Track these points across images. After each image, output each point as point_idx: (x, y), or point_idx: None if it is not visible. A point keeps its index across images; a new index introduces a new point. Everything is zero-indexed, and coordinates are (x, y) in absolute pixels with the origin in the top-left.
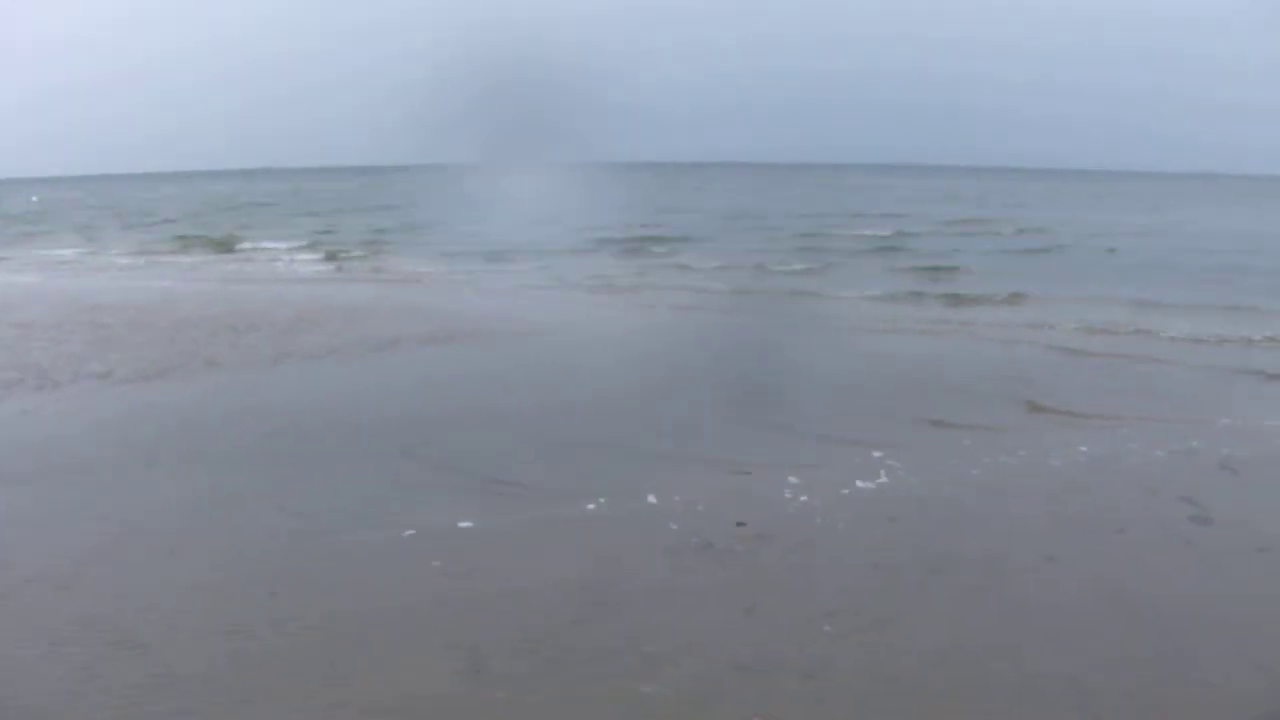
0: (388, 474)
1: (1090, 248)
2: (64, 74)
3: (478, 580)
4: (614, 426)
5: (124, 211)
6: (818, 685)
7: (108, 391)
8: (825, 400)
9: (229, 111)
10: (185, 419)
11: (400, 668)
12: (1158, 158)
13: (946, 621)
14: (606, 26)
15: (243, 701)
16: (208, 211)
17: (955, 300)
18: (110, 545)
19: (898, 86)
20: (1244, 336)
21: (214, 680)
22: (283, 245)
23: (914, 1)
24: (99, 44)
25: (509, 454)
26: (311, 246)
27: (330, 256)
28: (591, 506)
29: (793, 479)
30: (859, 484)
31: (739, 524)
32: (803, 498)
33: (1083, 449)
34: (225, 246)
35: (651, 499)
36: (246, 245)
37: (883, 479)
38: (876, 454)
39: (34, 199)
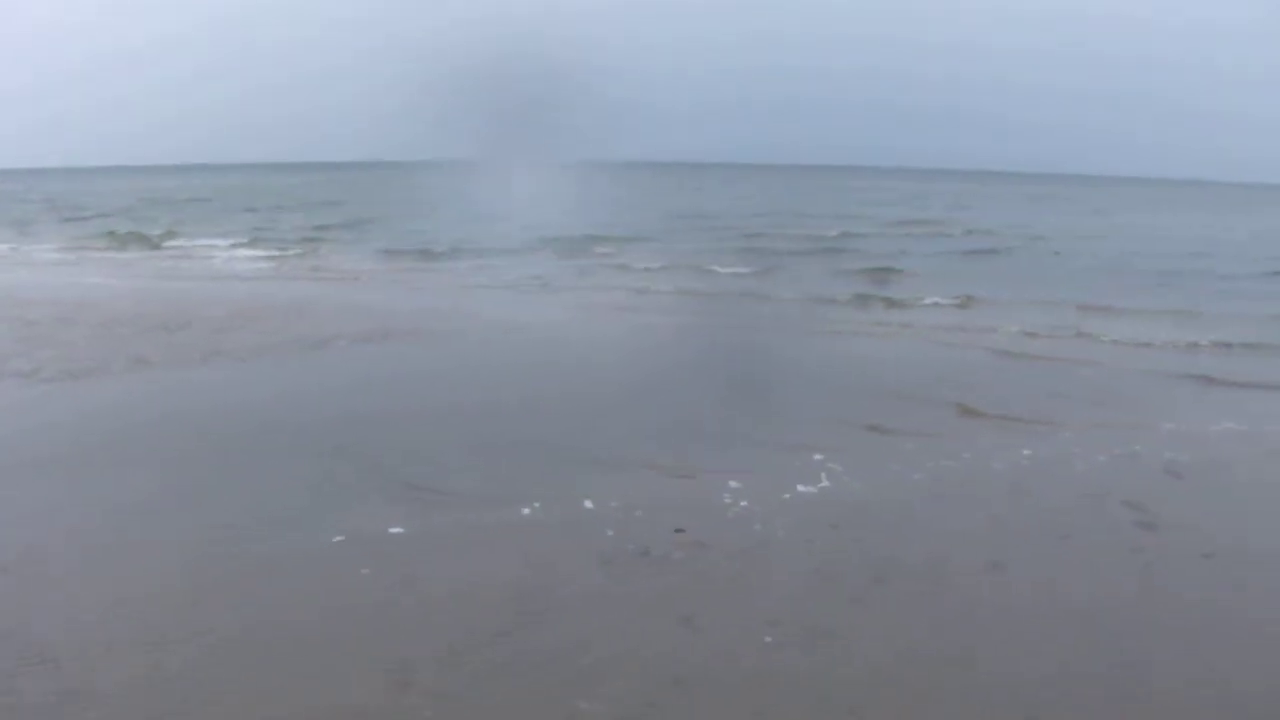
0: (317, 477)
1: (1036, 251)
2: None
3: (408, 588)
4: (550, 428)
5: (60, 205)
6: (759, 699)
7: (31, 390)
8: (765, 403)
9: (182, 109)
10: (110, 420)
11: (325, 681)
12: (1148, 164)
13: (891, 631)
14: (599, 22)
15: (159, 719)
16: (145, 207)
17: (899, 303)
18: (22, 555)
19: (893, 88)
20: (1188, 341)
21: (130, 697)
22: (220, 242)
23: (903, 4)
24: (50, 42)
25: (443, 456)
26: (249, 243)
27: (268, 253)
28: (526, 511)
29: (733, 483)
30: (800, 489)
31: (677, 530)
32: (743, 503)
33: (1025, 453)
34: (160, 242)
35: (588, 504)
36: (182, 241)
37: (824, 484)
38: (817, 457)
39: None
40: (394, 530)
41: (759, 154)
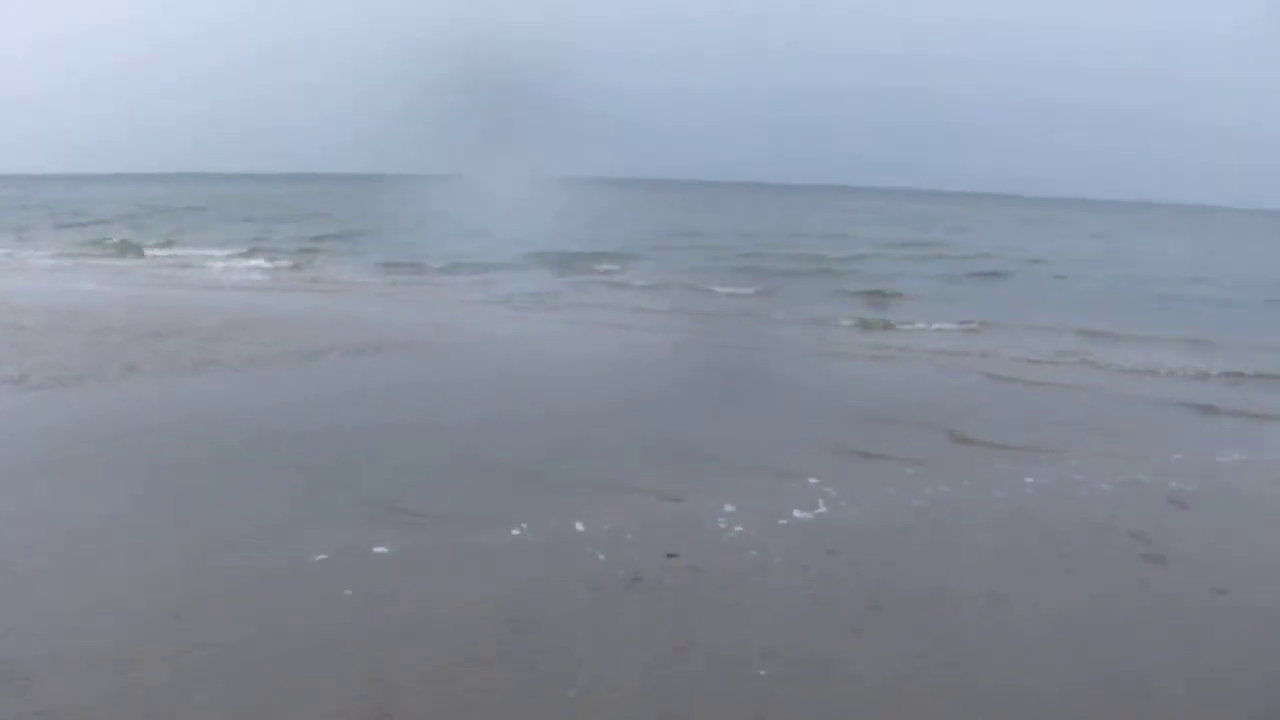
0: (303, 492)
1: (1037, 274)
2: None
3: (391, 610)
4: (541, 448)
5: (59, 211)
6: None
7: (18, 398)
8: (762, 426)
9: (181, 116)
10: (96, 429)
11: (305, 706)
12: (1144, 187)
13: (889, 663)
14: (593, 38)
15: None
16: (143, 214)
17: (898, 326)
18: None
19: (879, 106)
20: (1196, 369)
21: (102, 716)
22: (217, 251)
23: (901, 17)
24: (53, 53)
25: (433, 474)
26: (246, 254)
27: (265, 264)
28: (515, 532)
29: (728, 507)
30: (796, 514)
31: (670, 555)
32: (738, 528)
33: (1028, 480)
34: (157, 250)
35: (579, 526)
36: (179, 250)
37: (821, 509)
38: (814, 481)
39: None
40: (378, 550)
41: (750, 173)
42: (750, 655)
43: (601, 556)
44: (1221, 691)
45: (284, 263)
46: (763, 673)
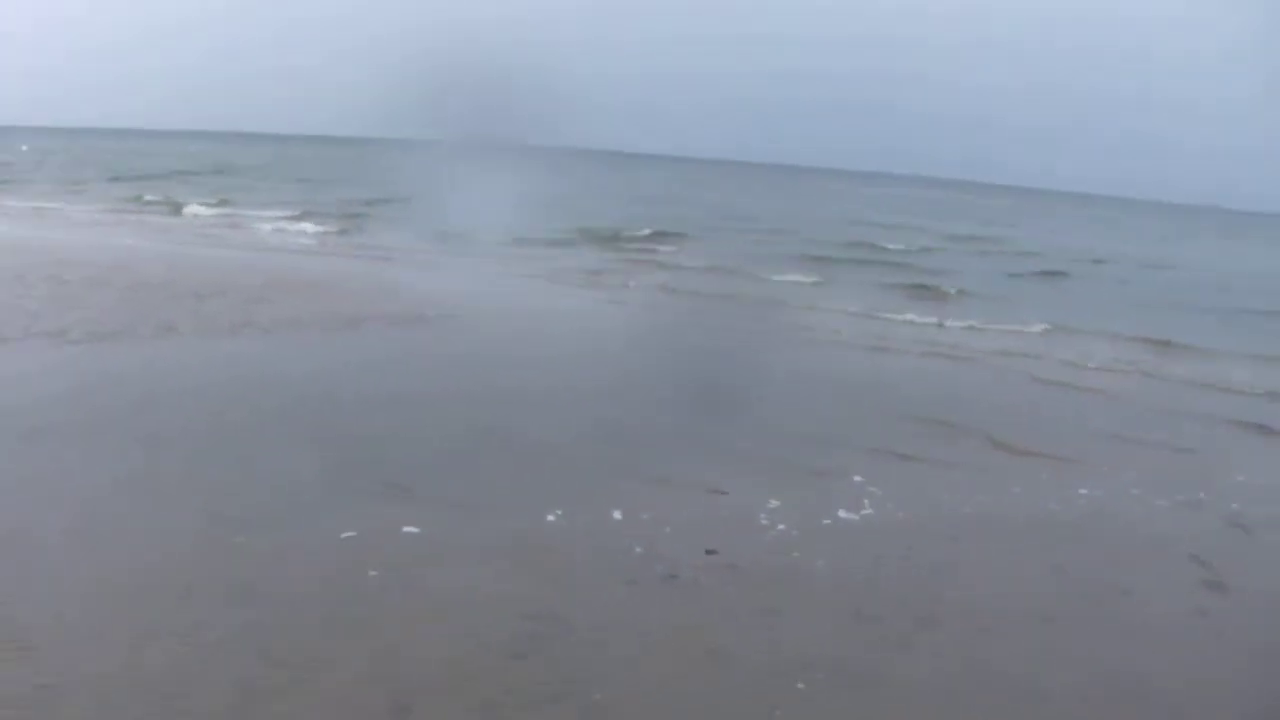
0: (334, 465)
1: (1100, 277)
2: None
3: (415, 596)
4: (582, 430)
5: (112, 166)
6: None
7: (55, 353)
8: (808, 420)
9: (226, 79)
10: (128, 388)
11: (318, 699)
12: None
13: (935, 685)
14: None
15: None
16: (196, 171)
17: (954, 324)
18: (11, 529)
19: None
20: (1266, 387)
21: (109, 695)
22: (266, 212)
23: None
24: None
25: (468, 452)
26: (297, 216)
27: (313, 227)
28: (551, 518)
29: (772, 503)
30: (842, 514)
31: (709, 551)
32: (780, 526)
33: (1082, 492)
34: (206, 209)
35: (617, 515)
36: (228, 209)
37: (867, 510)
38: (859, 480)
39: (24, 148)
40: (408, 529)
41: (767, 154)
42: (788, 666)
43: (638, 549)
44: None
45: (333, 227)
46: (801, 686)
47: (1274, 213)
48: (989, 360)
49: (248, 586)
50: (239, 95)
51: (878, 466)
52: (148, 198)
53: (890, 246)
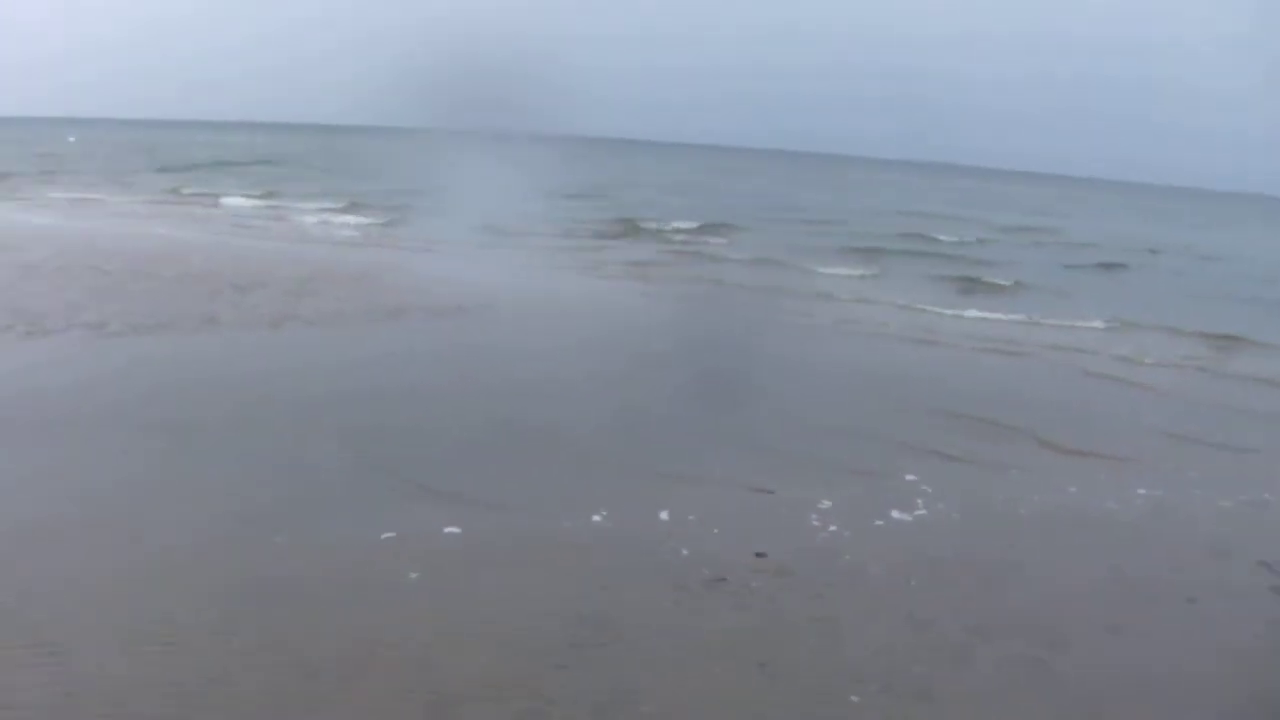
0: (375, 462)
1: (1157, 268)
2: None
3: (456, 601)
4: (627, 427)
5: (158, 157)
6: None
7: (96, 345)
8: (858, 416)
9: (261, 69)
10: (167, 382)
11: (353, 708)
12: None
13: (992, 701)
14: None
15: None
16: (242, 161)
17: (1008, 318)
18: (43, 523)
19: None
20: None
21: (135, 700)
22: (311, 204)
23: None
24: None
25: (512, 449)
26: (342, 208)
27: (357, 219)
28: (596, 519)
29: (823, 503)
30: (895, 515)
31: (759, 554)
32: (831, 527)
33: (1141, 492)
34: (249, 199)
35: (663, 515)
36: (273, 201)
37: (921, 511)
38: (911, 479)
39: (71, 139)
40: (450, 530)
41: (790, 141)
42: (841, 677)
43: (685, 552)
44: None
45: (379, 218)
46: (855, 699)
47: None
48: (1043, 355)
49: (281, 588)
50: (283, 85)
51: (929, 465)
52: (191, 190)
53: (942, 238)
